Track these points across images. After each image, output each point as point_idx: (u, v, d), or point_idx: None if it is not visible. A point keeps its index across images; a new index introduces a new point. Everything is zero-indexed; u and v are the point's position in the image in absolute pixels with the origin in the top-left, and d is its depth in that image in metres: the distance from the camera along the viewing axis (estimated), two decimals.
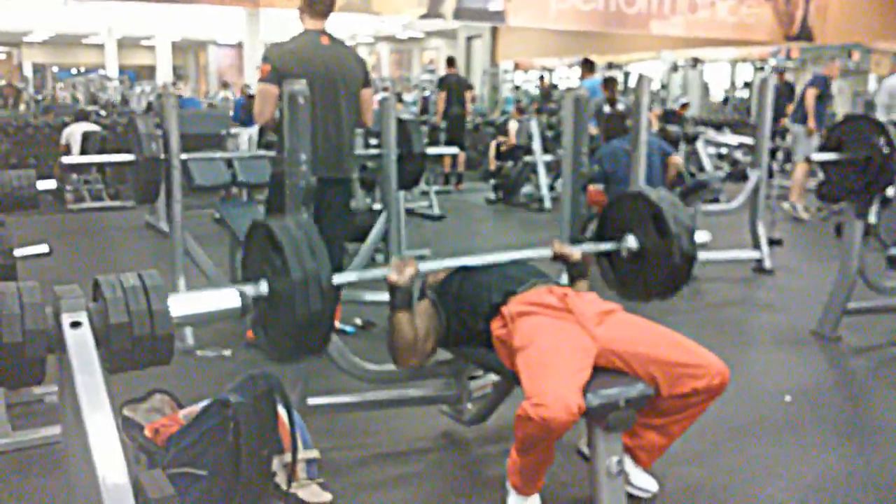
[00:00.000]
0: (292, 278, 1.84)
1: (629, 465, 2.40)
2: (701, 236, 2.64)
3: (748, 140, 8.70)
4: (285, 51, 3.51)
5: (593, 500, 2.14)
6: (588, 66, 8.67)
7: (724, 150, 9.47)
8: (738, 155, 9.23)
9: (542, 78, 18.61)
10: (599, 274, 2.82)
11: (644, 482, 2.43)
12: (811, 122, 7.69)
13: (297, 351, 1.99)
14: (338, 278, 2.09)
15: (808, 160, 7.33)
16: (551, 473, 2.27)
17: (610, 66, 15.95)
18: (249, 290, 1.90)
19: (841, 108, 11.95)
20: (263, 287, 1.90)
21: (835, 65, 8.25)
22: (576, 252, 2.65)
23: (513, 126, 9.63)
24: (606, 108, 7.55)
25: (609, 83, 7.88)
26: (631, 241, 2.66)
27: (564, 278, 2.70)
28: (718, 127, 10.92)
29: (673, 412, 2.27)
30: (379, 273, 2.42)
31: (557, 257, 2.66)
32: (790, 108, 10.13)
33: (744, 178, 5.96)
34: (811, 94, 7.73)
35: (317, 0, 3.54)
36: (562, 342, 2.22)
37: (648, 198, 2.63)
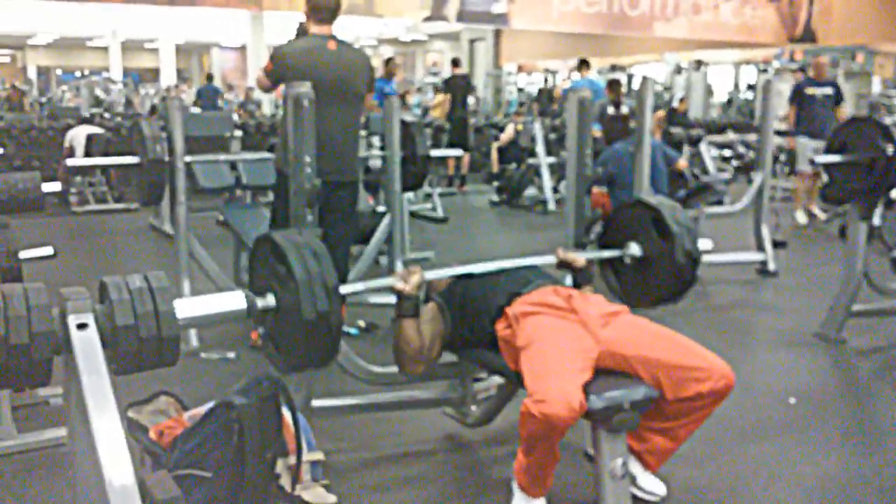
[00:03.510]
0: (297, 278, 1.85)
1: (637, 468, 2.40)
2: (703, 244, 2.65)
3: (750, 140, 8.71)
4: (291, 52, 3.52)
5: (598, 502, 2.14)
6: (584, 65, 8.69)
7: (727, 153, 9.46)
8: (741, 149, 9.22)
9: (545, 80, 18.62)
10: (605, 285, 2.83)
11: (652, 486, 2.43)
12: (791, 142, 7.37)
13: (306, 358, 1.99)
14: (344, 289, 2.09)
15: (803, 174, 7.27)
16: (557, 475, 2.27)
17: (613, 68, 15.93)
18: (257, 302, 1.91)
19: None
20: (271, 300, 1.91)
21: (819, 60, 7.51)
22: (580, 259, 2.65)
23: (508, 127, 9.67)
24: (610, 110, 7.55)
25: (613, 85, 7.88)
26: (634, 249, 2.66)
27: (569, 279, 2.69)
28: (722, 129, 10.91)
29: (679, 416, 2.26)
30: (384, 283, 2.42)
31: (562, 264, 2.66)
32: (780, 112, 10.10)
33: (749, 169, 5.97)
34: (791, 110, 7.40)
35: (321, 6, 3.54)
36: (564, 341, 2.22)
37: (647, 203, 2.65)
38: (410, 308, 2.40)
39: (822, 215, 7.48)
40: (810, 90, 7.25)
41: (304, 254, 1.89)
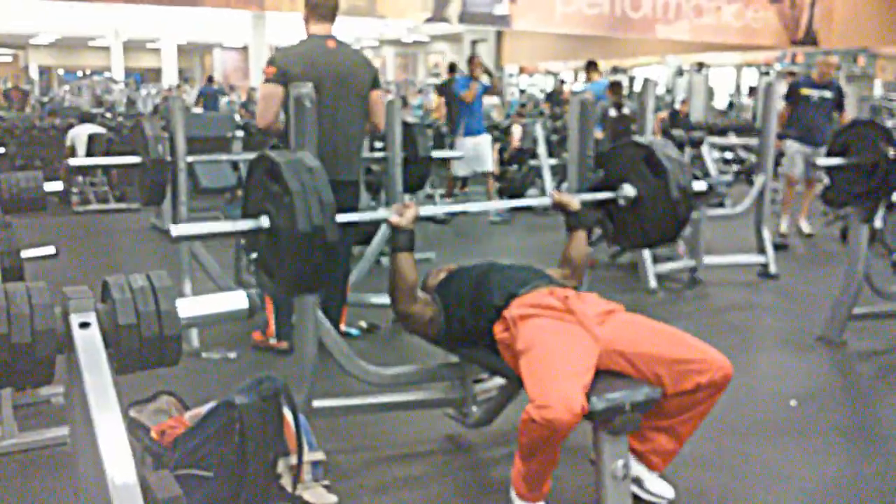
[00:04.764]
0: (291, 190, 1.85)
1: (644, 471, 2.40)
2: (697, 185, 2.70)
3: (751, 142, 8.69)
4: (291, 54, 3.52)
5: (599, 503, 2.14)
6: (593, 68, 8.66)
7: (728, 155, 9.47)
8: (742, 154, 9.22)
9: (562, 82, 18.53)
10: (600, 229, 2.86)
11: (660, 489, 2.42)
12: (777, 143, 6.38)
13: (300, 280, 1.99)
14: (341, 217, 2.11)
15: (789, 179, 6.83)
16: (558, 477, 2.27)
17: (615, 70, 15.96)
18: (250, 224, 1.93)
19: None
20: (265, 221, 1.92)
21: (826, 60, 6.86)
22: (574, 201, 2.70)
23: (516, 130, 9.64)
24: (612, 112, 7.55)
25: (614, 87, 7.88)
26: (628, 189, 2.70)
27: (559, 273, 2.68)
28: (723, 132, 10.90)
29: (679, 412, 2.26)
30: (380, 215, 2.44)
31: (557, 206, 2.71)
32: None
33: (751, 174, 5.92)
34: (784, 108, 6.69)
35: (320, 4, 3.55)
36: (564, 344, 2.22)
37: (638, 142, 2.69)
38: (406, 241, 2.44)
39: (808, 228, 7.05)
40: (806, 91, 6.70)
41: (298, 169, 1.90)
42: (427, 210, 2.52)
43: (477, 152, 7.63)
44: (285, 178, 1.91)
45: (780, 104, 6.37)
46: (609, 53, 16.59)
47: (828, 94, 6.66)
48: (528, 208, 8.32)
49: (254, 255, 2.05)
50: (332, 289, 3.59)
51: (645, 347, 2.24)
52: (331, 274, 2.08)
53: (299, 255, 1.91)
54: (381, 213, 2.46)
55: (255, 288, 1.65)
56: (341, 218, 2.14)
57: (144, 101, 14.77)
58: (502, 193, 8.78)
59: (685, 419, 2.29)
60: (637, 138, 2.75)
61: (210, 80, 16.35)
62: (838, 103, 6.74)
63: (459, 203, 8.79)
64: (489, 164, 7.92)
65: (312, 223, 1.88)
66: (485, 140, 7.87)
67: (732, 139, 9.82)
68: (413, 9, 9.77)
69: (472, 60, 7.99)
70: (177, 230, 1.96)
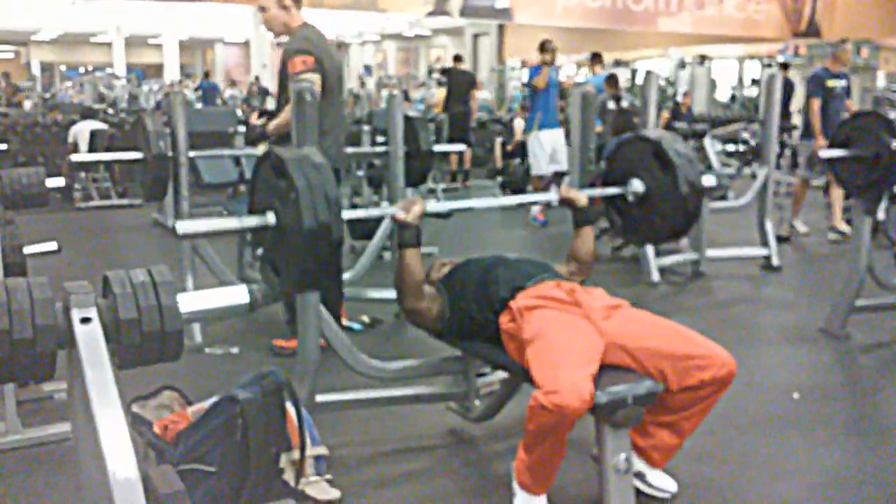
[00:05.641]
0: (297, 188, 1.85)
1: (646, 466, 2.40)
2: (707, 180, 2.67)
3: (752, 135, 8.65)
4: (314, 42, 3.47)
5: (601, 498, 2.14)
6: (597, 60, 8.61)
7: (730, 147, 9.44)
8: (746, 135, 9.16)
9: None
10: (608, 223, 2.84)
11: (663, 482, 2.42)
12: (820, 141, 6.11)
13: (305, 276, 1.98)
14: (346, 214, 2.10)
15: (804, 180, 6.49)
16: (561, 472, 2.26)
17: (617, 63, 15.92)
18: (256, 221, 1.93)
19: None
20: (270, 217, 1.92)
21: (843, 49, 6.53)
22: (582, 196, 2.68)
23: (518, 124, 9.62)
24: (611, 105, 7.53)
25: (611, 80, 7.85)
26: (636, 185, 2.68)
27: (564, 269, 2.68)
28: (725, 124, 10.88)
29: (683, 407, 2.26)
30: (387, 211, 2.43)
31: (564, 201, 2.69)
32: (792, 106, 9.98)
33: (756, 156, 5.80)
34: (815, 105, 6.32)
35: None
36: (571, 333, 2.22)
37: (647, 137, 2.67)
38: (412, 237, 2.44)
39: (803, 228, 6.76)
40: (832, 83, 6.37)
41: (304, 166, 1.90)
42: (434, 206, 2.51)
43: (555, 149, 7.01)
44: (291, 175, 1.91)
45: (794, 101, 6.13)
46: (611, 46, 16.56)
47: (844, 82, 6.50)
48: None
49: (259, 251, 2.04)
50: (331, 283, 3.59)
51: (649, 342, 2.24)
52: (337, 270, 2.08)
53: (304, 252, 1.90)
54: (387, 209, 2.45)
55: (257, 283, 1.65)
56: (347, 214, 2.13)
57: (146, 98, 14.77)
58: (504, 187, 8.78)
59: (688, 415, 2.29)
60: (645, 132, 2.71)
61: (206, 75, 16.36)
62: (849, 91, 6.60)
63: (471, 199, 8.80)
64: (565, 163, 6.97)
65: (319, 220, 1.87)
66: (560, 135, 7.13)
67: (735, 126, 9.77)
68: (414, 3, 9.77)
69: (543, 46, 7.12)
70: (182, 227, 1.96)
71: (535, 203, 7.62)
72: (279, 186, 1.95)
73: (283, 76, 3.49)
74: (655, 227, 2.70)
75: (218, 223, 2.10)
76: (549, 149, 6.95)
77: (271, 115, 3.75)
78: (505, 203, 2.57)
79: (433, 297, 2.53)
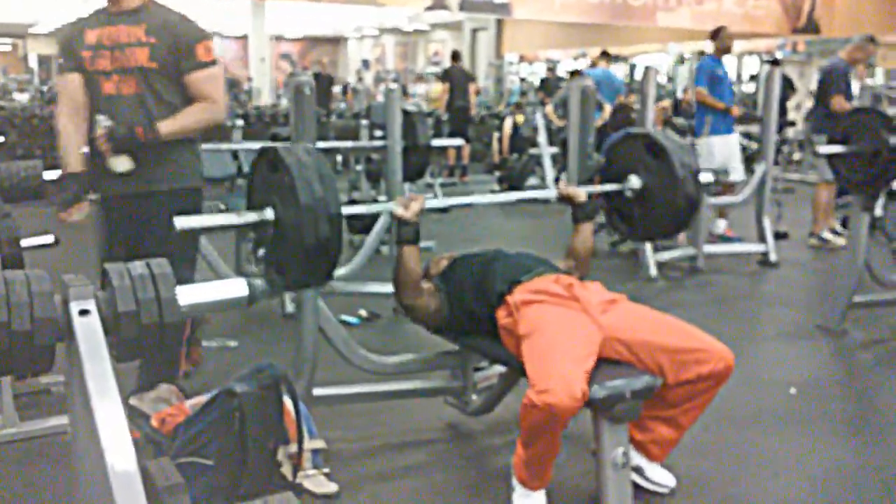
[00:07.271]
0: (301, 203, 1.85)
1: (643, 460, 2.40)
2: (704, 176, 2.69)
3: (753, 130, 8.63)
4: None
5: (599, 492, 2.15)
6: (605, 57, 8.59)
7: None
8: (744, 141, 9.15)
9: (550, 69, 18.52)
10: (605, 219, 2.86)
11: (661, 477, 2.42)
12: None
13: (302, 280, 2.00)
14: (346, 209, 2.10)
15: (828, 182, 5.67)
16: (559, 467, 2.27)
17: (616, 58, 15.86)
18: (255, 216, 1.93)
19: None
20: (269, 213, 1.92)
21: (863, 45, 6.08)
22: (581, 193, 2.68)
23: (507, 124, 9.71)
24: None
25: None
26: (634, 181, 2.70)
27: (563, 264, 2.68)
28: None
29: (681, 401, 2.27)
30: (385, 207, 2.43)
31: (563, 198, 2.69)
32: (789, 103, 9.93)
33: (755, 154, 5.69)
34: (839, 103, 5.80)
35: None
36: (567, 329, 2.22)
37: (637, 133, 2.70)
38: (411, 234, 2.45)
39: (840, 241, 5.97)
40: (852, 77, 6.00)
41: (309, 177, 1.89)
42: (433, 203, 2.51)
43: (731, 154, 5.91)
44: (296, 188, 1.90)
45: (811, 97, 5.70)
46: (610, 41, 16.51)
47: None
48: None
49: (261, 252, 2.04)
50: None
51: (647, 336, 2.24)
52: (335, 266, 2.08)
53: (303, 262, 1.90)
54: (386, 205, 2.44)
55: (255, 276, 1.65)
56: (347, 210, 2.13)
57: None
58: (502, 182, 8.77)
59: (686, 409, 2.29)
60: (637, 130, 2.75)
61: None
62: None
63: (470, 196, 8.80)
64: (741, 171, 6.07)
65: (318, 236, 1.87)
66: (735, 141, 6.10)
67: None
68: None
69: (717, 33, 6.08)
70: (180, 222, 1.96)
71: (534, 199, 7.62)
72: (277, 182, 1.95)
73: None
74: (656, 222, 2.71)
75: (216, 219, 2.09)
76: (725, 157, 5.84)
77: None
78: (504, 200, 2.56)
79: (431, 293, 2.53)
